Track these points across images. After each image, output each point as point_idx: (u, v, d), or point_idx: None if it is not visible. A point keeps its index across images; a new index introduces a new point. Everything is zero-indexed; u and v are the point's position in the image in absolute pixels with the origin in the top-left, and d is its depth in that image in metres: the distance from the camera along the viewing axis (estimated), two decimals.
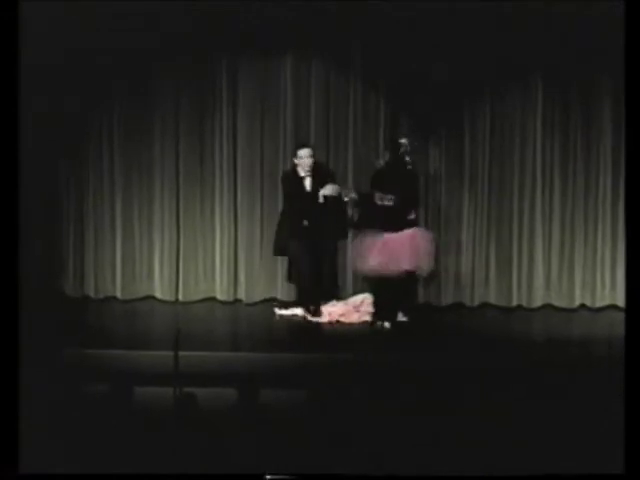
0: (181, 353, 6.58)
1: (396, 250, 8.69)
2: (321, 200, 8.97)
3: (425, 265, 8.88)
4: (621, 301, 9.82)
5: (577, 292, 10.06)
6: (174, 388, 6.18)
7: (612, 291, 10.02)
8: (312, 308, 9.16)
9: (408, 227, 8.80)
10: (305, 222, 9.07)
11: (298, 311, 9.26)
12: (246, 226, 9.92)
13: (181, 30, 9.54)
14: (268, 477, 5.04)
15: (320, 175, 9.11)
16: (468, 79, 9.72)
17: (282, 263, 9.78)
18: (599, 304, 10.02)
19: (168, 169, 9.90)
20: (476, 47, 9.59)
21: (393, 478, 5.15)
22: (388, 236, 8.74)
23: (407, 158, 8.87)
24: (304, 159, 9.02)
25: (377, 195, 8.76)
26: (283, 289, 9.85)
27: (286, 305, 9.49)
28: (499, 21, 9.48)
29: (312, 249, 9.07)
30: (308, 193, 9.08)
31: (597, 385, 6.18)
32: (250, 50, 9.69)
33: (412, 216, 8.90)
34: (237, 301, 9.84)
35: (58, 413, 5.49)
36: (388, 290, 8.82)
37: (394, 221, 8.74)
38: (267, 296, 9.92)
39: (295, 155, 9.10)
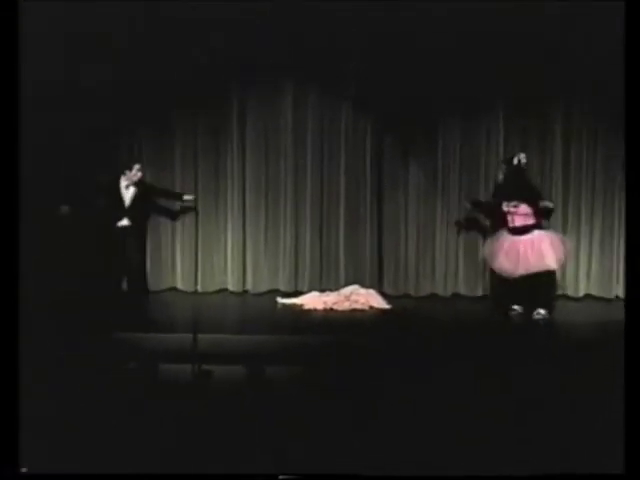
0: (199, 335, 7.45)
1: (523, 253, 9.45)
2: None
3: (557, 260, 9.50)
4: (623, 293, 10.09)
5: (581, 284, 10.51)
6: (192, 365, 6.87)
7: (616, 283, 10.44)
8: None
9: (532, 229, 9.52)
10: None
11: (297, 300, 10.39)
12: (253, 230, 11.06)
13: (197, 63, 10.38)
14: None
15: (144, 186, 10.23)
16: (443, 103, 10.43)
17: (284, 259, 10.97)
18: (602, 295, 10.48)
19: (187, 184, 10.94)
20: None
21: (393, 478, 5.14)
22: (516, 239, 9.51)
23: (525, 168, 9.72)
24: (134, 172, 10.05)
25: (504, 203, 9.54)
26: (285, 281, 11.00)
27: (287, 295, 10.66)
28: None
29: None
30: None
31: (597, 385, 6.17)
32: (257, 84, 10.71)
33: (534, 220, 9.58)
34: (245, 292, 11.05)
35: (58, 413, 5.49)
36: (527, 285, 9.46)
37: (519, 224, 9.53)
38: (271, 288, 11.01)
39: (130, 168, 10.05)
